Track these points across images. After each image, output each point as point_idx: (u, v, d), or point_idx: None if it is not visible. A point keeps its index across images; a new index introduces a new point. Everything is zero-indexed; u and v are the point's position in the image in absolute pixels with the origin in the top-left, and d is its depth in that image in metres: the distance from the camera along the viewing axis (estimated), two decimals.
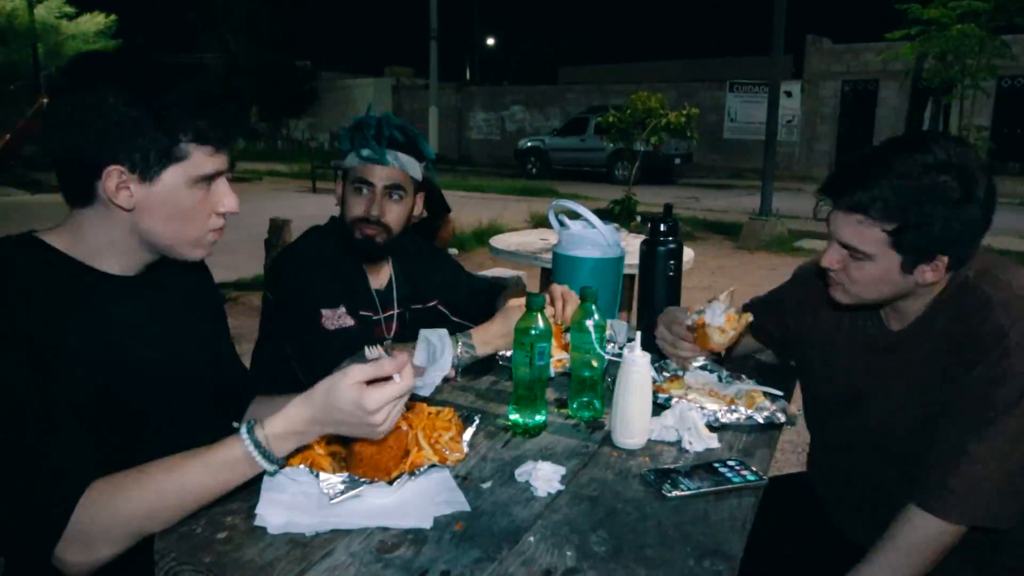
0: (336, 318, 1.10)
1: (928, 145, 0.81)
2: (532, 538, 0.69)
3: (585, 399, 0.99)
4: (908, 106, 12.51)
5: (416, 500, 0.73)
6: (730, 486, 0.81)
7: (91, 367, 0.71)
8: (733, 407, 0.99)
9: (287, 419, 0.69)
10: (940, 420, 0.85)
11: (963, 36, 5.10)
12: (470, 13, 24.41)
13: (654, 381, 1.00)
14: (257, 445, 0.67)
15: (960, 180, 0.80)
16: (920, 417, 0.89)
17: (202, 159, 0.74)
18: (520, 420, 0.94)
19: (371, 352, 0.83)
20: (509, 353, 1.16)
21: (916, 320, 0.90)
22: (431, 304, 1.32)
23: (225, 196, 0.77)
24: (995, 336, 0.81)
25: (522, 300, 1.18)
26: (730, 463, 0.86)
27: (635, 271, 1.34)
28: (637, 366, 0.89)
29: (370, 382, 0.68)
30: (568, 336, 1.04)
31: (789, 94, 12.79)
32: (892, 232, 0.82)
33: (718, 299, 1.10)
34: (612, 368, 0.96)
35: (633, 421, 0.90)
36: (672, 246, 1.27)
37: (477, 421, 0.88)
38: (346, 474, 0.73)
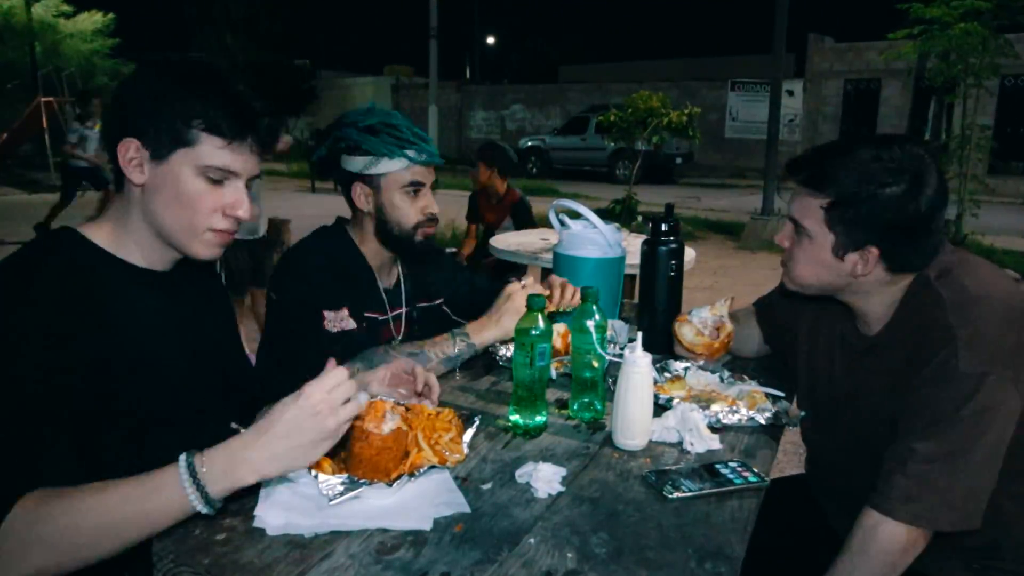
0: (338, 320, 1.10)
1: (894, 144, 0.83)
2: (532, 540, 0.69)
3: (586, 400, 0.99)
4: (911, 105, 12.48)
5: (416, 501, 0.73)
6: (732, 487, 0.80)
7: (105, 363, 0.71)
8: (735, 408, 0.99)
9: (228, 447, 0.64)
10: (900, 419, 0.84)
11: (965, 35, 5.08)
12: (470, 11, 24.39)
13: (655, 382, 0.99)
14: (191, 470, 0.62)
15: (908, 180, 0.82)
16: (891, 423, 0.88)
17: (211, 149, 0.74)
18: (520, 421, 0.93)
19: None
20: (509, 354, 1.16)
21: (886, 324, 0.91)
22: (437, 302, 1.32)
23: (237, 199, 0.77)
24: (944, 338, 0.80)
25: (515, 288, 1.18)
26: (731, 464, 0.86)
27: (636, 271, 1.34)
28: (638, 367, 0.89)
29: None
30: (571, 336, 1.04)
31: (791, 93, 12.76)
32: (827, 207, 0.85)
33: (719, 303, 1.11)
34: (613, 369, 0.96)
35: (634, 422, 0.89)
36: (673, 246, 1.26)
37: (477, 422, 0.88)
38: (345, 475, 0.72)
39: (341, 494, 0.70)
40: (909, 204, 0.82)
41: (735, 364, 1.23)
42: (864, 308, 0.92)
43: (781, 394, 1.05)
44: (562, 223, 1.41)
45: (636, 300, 1.39)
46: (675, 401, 0.99)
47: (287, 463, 0.65)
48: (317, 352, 1.03)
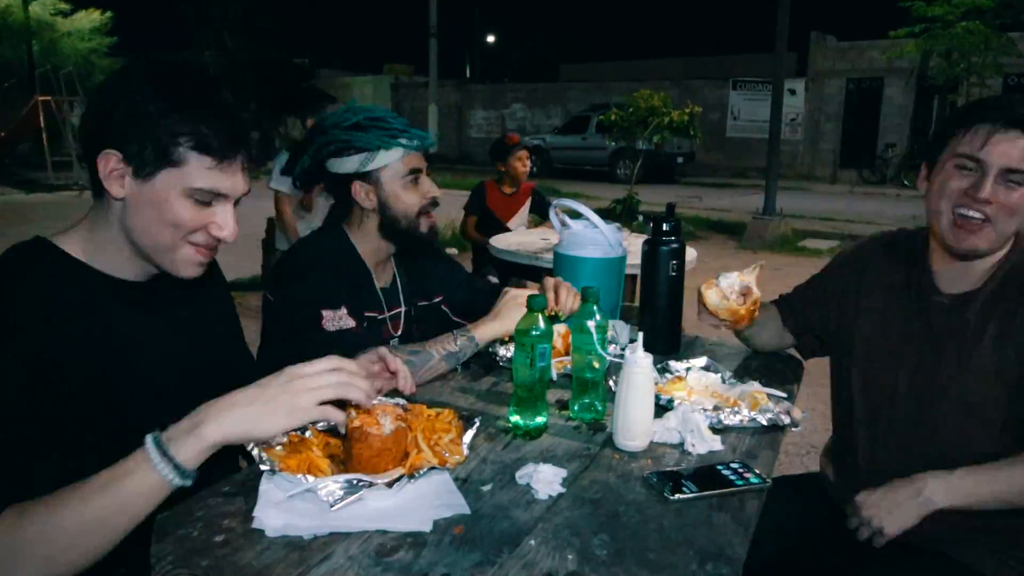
0: (337, 319, 1.09)
1: None
2: (533, 541, 0.69)
3: (587, 401, 0.98)
4: (913, 104, 12.44)
5: (415, 503, 0.73)
6: (733, 489, 0.80)
7: (90, 374, 0.69)
8: (736, 409, 0.98)
9: (193, 411, 0.64)
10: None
11: (968, 33, 5.07)
12: (470, 10, 24.38)
13: (656, 382, 0.99)
14: (157, 443, 0.61)
15: None
16: (991, 378, 0.87)
17: (199, 170, 0.71)
18: (521, 422, 0.93)
19: None
20: (510, 354, 1.15)
21: (978, 285, 0.90)
22: (436, 300, 1.32)
23: (223, 220, 0.73)
24: None
25: (521, 292, 1.18)
26: (733, 466, 0.85)
27: (637, 271, 1.34)
28: (639, 367, 0.89)
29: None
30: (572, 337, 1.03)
31: (793, 92, 12.75)
32: None
33: (747, 269, 1.10)
34: (614, 369, 0.95)
35: (635, 423, 0.89)
36: (675, 246, 1.26)
37: (477, 423, 0.88)
38: (344, 478, 0.72)
39: (341, 499, 0.69)
40: None
41: (737, 366, 1.23)
42: (985, 262, 0.90)
43: (783, 395, 1.05)
44: (562, 223, 1.41)
45: (637, 301, 1.39)
46: (676, 402, 0.99)
47: (249, 425, 0.64)
48: (316, 352, 1.03)
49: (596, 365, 0.96)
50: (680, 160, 12.06)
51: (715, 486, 0.80)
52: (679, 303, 1.28)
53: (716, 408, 0.98)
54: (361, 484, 0.71)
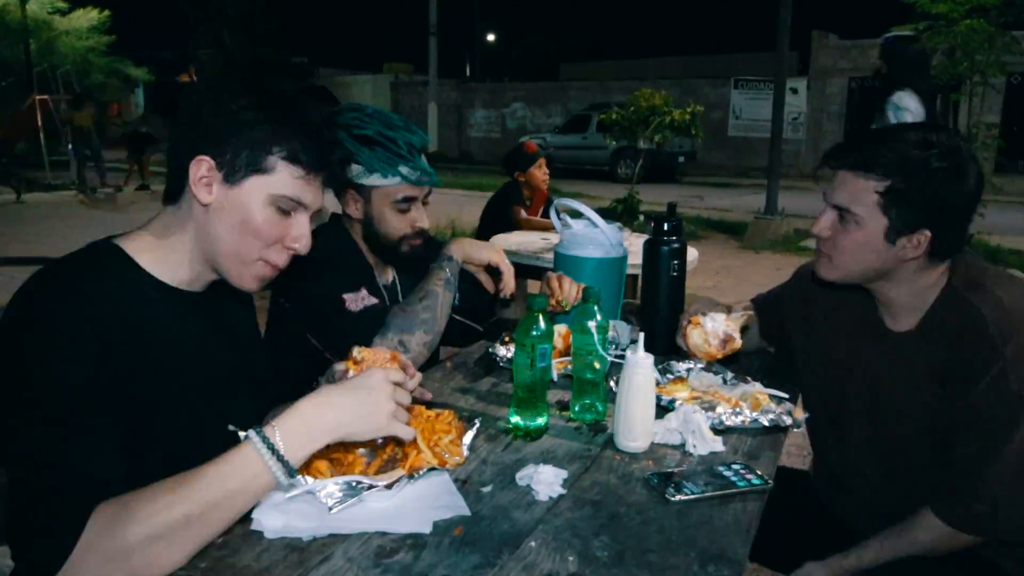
0: (359, 300, 1.12)
1: (927, 131, 0.87)
2: (533, 543, 0.69)
3: (587, 401, 0.98)
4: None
5: (415, 504, 0.72)
6: (735, 490, 0.80)
7: (142, 379, 0.70)
8: (738, 409, 0.98)
9: (296, 413, 0.67)
10: (953, 436, 0.87)
11: (971, 32, 5.04)
12: (470, 8, 24.33)
13: (657, 383, 0.99)
14: (267, 443, 0.64)
15: (951, 161, 0.84)
16: (923, 421, 0.91)
17: (287, 179, 0.74)
18: (521, 423, 0.93)
19: (340, 366, 0.83)
20: (510, 355, 1.15)
21: (921, 322, 0.91)
22: None
23: (299, 233, 0.77)
24: (991, 357, 0.83)
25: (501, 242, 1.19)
26: (735, 466, 0.85)
27: (638, 271, 1.33)
28: (640, 368, 0.88)
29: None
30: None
31: (795, 91, 12.71)
32: (884, 192, 0.85)
33: (734, 312, 1.10)
34: (615, 370, 0.95)
35: (636, 424, 0.89)
36: (676, 246, 1.26)
37: (478, 424, 0.88)
38: (343, 479, 0.72)
39: (340, 501, 0.69)
40: (960, 186, 0.84)
41: (738, 366, 1.22)
42: (892, 297, 0.92)
43: (785, 396, 1.04)
44: (563, 222, 1.40)
45: (638, 300, 1.38)
46: (677, 403, 0.98)
47: (353, 427, 0.68)
48: (348, 335, 1.03)
49: (597, 366, 0.96)
50: (681, 159, 12.03)
51: (717, 487, 0.80)
52: (680, 303, 1.28)
53: (717, 409, 0.98)
54: (360, 486, 0.71)
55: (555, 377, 1.07)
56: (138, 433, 0.69)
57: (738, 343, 1.11)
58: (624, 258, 1.38)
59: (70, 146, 8.55)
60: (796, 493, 1.11)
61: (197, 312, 0.78)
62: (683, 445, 0.91)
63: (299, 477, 0.70)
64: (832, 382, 1.02)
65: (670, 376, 1.11)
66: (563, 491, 0.78)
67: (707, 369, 1.12)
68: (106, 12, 14.02)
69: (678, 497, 0.77)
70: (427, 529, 0.69)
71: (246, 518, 0.69)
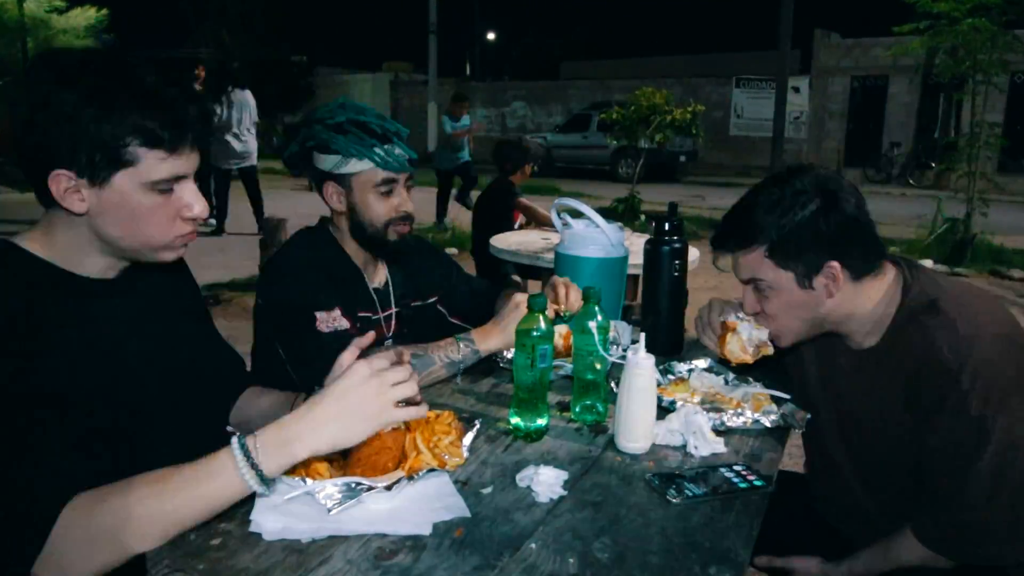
0: (331, 320, 1.09)
1: (789, 177, 0.89)
2: (533, 545, 0.68)
3: (588, 402, 0.97)
4: (919, 102, 12.37)
5: (415, 506, 0.72)
6: (736, 491, 0.79)
7: (76, 373, 0.69)
8: (739, 411, 0.97)
9: (279, 423, 0.67)
10: (926, 463, 0.88)
11: (974, 30, 5.02)
12: (470, 6, 24.30)
13: (658, 384, 0.98)
14: (244, 450, 0.64)
15: (818, 196, 0.86)
16: (896, 445, 0.92)
17: (154, 163, 0.70)
18: (521, 424, 0.92)
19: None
20: (510, 355, 1.15)
21: (877, 343, 0.92)
22: (431, 301, 1.31)
23: (190, 200, 0.73)
24: (947, 387, 0.83)
25: (523, 298, 1.17)
26: (736, 468, 0.85)
27: (639, 271, 1.33)
28: (641, 368, 0.88)
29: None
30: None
31: (797, 90, 12.69)
32: (769, 250, 0.88)
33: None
34: (616, 371, 0.95)
35: (637, 425, 0.88)
36: (677, 245, 1.25)
37: (478, 425, 0.87)
38: (343, 480, 0.71)
39: (340, 502, 0.69)
40: (838, 215, 0.86)
41: (739, 367, 1.21)
42: (849, 327, 0.94)
43: (787, 396, 1.04)
44: (564, 222, 1.40)
45: (639, 301, 1.38)
46: (679, 403, 0.98)
47: (337, 439, 0.67)
48: (312, 355, 1.02)
49: (598, 366, 0.95)
50: (683, 159, 12.01)
51: (718, 489, 0.79)
52: (682, 303, 1.27)
53: (719, 409, 0.97)
54: (360, 487, 0.70)
55: (555, 377, 1.06)
56: (86, 422, 0.69)
57: (770, 349, 1.09)
58: (625, 258, 1.38)
59: None
60: (793, 495, 1.11)
61: (113, 297, 0.76)
62: (684, 446, 0.91)
63: (297, 479, 0.70)
64: (808, 399, 1.03)
65: (671, 377, 1.11)
66: (564, 492, 0.78)
67: (708, 369, 1.12)
68: (104, 11, 13.97)
69: (679, 498, 0.77)
70: (427, 531, 0.69)
71: (245, 519, 0.68)
